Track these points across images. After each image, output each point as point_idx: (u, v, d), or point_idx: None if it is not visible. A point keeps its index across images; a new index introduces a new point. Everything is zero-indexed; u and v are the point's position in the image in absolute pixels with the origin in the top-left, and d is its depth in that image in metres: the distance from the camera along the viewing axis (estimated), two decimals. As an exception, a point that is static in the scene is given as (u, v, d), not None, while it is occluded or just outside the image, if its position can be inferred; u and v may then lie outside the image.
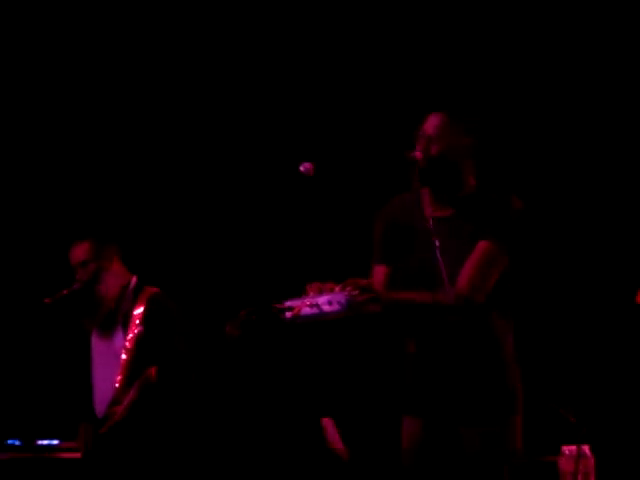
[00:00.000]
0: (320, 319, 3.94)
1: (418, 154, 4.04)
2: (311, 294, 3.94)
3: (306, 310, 3.93)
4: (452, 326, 3.99)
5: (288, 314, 3.97)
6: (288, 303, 3.97)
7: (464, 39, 6.77)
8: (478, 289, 3.97)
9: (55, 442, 5.52)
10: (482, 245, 4.00)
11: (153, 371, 5.14)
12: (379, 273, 4.19)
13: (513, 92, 6.67)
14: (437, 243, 3.87)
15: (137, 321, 5.37)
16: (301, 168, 4.13)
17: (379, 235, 4.22)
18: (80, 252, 5.45)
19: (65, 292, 5.40)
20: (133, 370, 5.28)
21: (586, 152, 6.65)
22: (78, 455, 5.42)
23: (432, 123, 4.10)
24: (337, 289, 3.89)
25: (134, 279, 5.52)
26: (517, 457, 4.09)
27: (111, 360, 5.39)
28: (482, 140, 4.13)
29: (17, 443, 5.55)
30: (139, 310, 5.39)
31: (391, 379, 4.44)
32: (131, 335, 5.36)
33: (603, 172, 6.61)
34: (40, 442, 5.54)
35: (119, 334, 5.42)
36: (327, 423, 5.39)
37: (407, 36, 6.90)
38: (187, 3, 7.08)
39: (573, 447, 5.55)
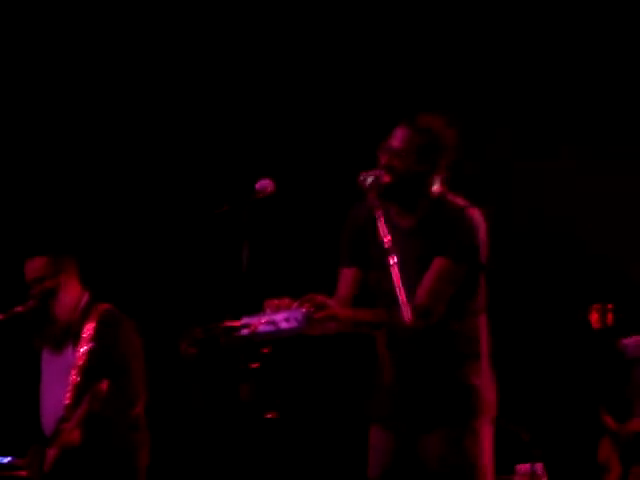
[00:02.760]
0: (277, 336, 3.91)
1: (379, 173, 3.99)
2: (268, 311, 3.92)
3: (263, 327, 3.91)
4: (408, 336, 3.98)
5: (245, 331, 3.93)
6: (245, 320, 3.94)
7: (432, 54, 6.80)
8: (434, 307, 3.96)
9: (6, 460, 5.44)
10: (438, 262, 3.99)
11: (104, 385, 5.05)
12: (345, 276, 4.18)
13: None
14: (393, 260, 3.82)
15: (88, 338, 5.29)
16: (257, 186, 4.11)
17: (346, 239, 4.20)
18: (37, 267, 5.34)
19: (19, 309, 5.30)
20: (83, 387, 5.21)
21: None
22: (25, 474, 5.34)
23: (398, 137, 4.06)
24: (294, 306, 3.87)
25: (86, 295, 5.44)
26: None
27: (61, 377, 5.32)
28: (451, 153, 4.08)
29: (-34, 463, 5.47)
30: (90, 327, 5.31)
31: (355, 389, 4.43)
32: (81, 351, 5.28)
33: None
34: (-8, 460, 5.46)
35: (69, 350, 5.35)
36: None
37: (370, 53, 6.92)
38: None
39: (527, 466, 5.57)
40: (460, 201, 4.09)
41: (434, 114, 4.11)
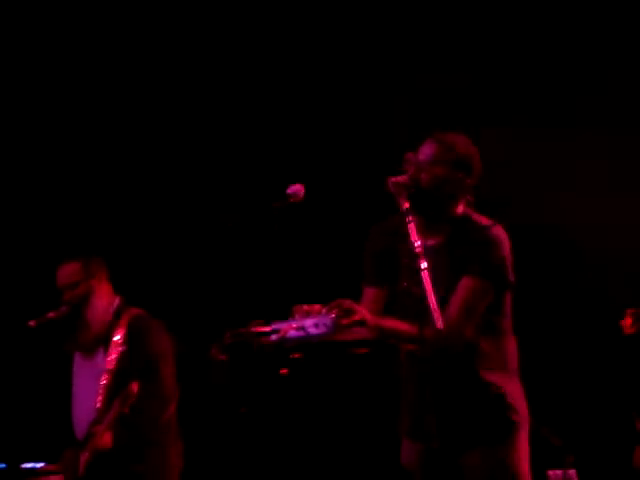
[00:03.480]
0: (306, 341, 3.91)
1: (404, 178, 3.99)
2: (297, 316, 3.91)
3: (292, 333, 3.91)
4: (438, 353, 3.99)
5: (274, 337, 3.93)
6: (274, 326, 3.93)
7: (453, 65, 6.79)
8: (463, 326, 3.97)
9: (39, 465, 5.48)
10: (465, 281, 4.00)
11: (135, 387, 5.08)
12: (368, 294, 4.19)
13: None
14: (424, 272, 3.80)
15: (118, 342, 5.32)
16: (289, 191, 4.12)
17: (369, 257, 4.22)
18: (69, 273, 5.38)
19: (52, 315, 5.33)
20: (114, 390, 5.25)
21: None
22: (60, 478, 5.38)
23: (425, 151, 4.07)
24: (323, 311, 3.87)
25: (117, 300, 5.47)
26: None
27: (92, 380, 5.38)
28: (475, 170, 4.10)
29: (2, 467, 5.51)
30: (120, 331, 5.35)
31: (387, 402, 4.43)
32: (112, 356, 5.32)
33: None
34: (25, 465, 5.49)
35: (100, 355, 5.39)
36: None
37: (394, 61, 6.91)
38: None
39: (559, 472, 5.54)
40: (484, 220, 4.11)
41: (460, 132, 4.14)
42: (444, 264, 4.01)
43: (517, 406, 4.06)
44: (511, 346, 4.13)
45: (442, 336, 3.83)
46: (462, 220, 4.09)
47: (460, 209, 4.12)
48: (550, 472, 5.57)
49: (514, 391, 4.08)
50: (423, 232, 4.02)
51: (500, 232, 4.07)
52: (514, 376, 4.11)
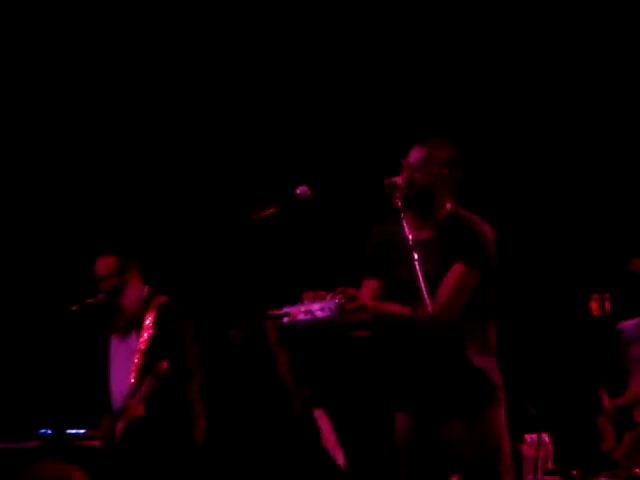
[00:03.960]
0: (314, 324, 3.97)
1: (399, 179, 4.08)
2: (306, 301, 3.99)
3: (301, 316, 3.97)
4: (429, 331, 4.03)
5: (285, 319, 3.99)
6: (285, 309, 4.01)
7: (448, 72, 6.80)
8: (452, 308, 4.02)
9: (82, 431, 5.54)
10: (455, 268, 4.05)
11: (165, 364, 5.16)
12: (368, 286, 4.25)
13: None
14: (416, 262, 3.90)
15: (149, 326, 5.40)
16: (298, 191, 4.19)
17: (369, 253, 4.29)
18: (105, 266, 5.49)
19: (90, 301, 5.43)
20: (145, 367, 5.31)
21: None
22: (99, 443, 5.45)
23: (415, 155, 4.16)
24: (328, 297, 3.95)
25: (146, 289, 5.56)
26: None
27: (126, 360, 5.43)
28: (459, 170, 4.18)
29: (49, 432, 5.56)
30: (150, 316, 5.43)
31: (379, 379, 4.46)
32: (144, 338, 5.39)
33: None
34: (69, 431, 5.55)
35: (133, 337, 5.46)
36: (320, 416, 5.39)
37: (392, 68, 6.91)
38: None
39: (534, 435, 5.62)
40: (472, 216, 4.18)
41: (441, 137, 4.23)
42: (435, 255, 4.07)
43: (496, 382, 4.10)
44: (492, 330, 4.17)
45: (432, 316, 3.88)
46: (451, 216, 4.15)
47: (449, 206, 4.17)
48: (527, 436, 5.62)
49: (493, 369, 4.12)
50: (416, 227, 4.11)
51: (486, 227, 4.13)
52: (493, 356, 4.15)
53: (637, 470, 5.23)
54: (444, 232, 4.12)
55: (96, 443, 5.53)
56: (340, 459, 5.15)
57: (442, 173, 4.13)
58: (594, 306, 6.40)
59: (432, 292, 3.94)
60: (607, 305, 6.32)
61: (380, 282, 4.23)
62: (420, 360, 4.09)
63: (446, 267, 4.06)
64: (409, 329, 4.05)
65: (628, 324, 6.00)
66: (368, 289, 4.23)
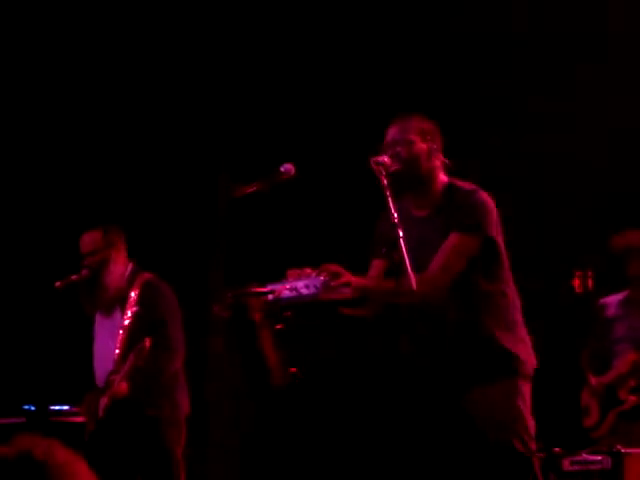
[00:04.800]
0: (298, 301, 3.97)
1: (385, 157, 4.06)
2: (290, 279, 3.98)
3: (286, 293, 3.96)
4: (416, 303, 4.01)
5: (270, 296, 3.99)
6: (270, 287, 4.00)
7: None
8: (441, 278, 3.99)
9: (65, 407, 5.54)
10: (450, 237, 4.03)
11: (148, 341, 5.15)
12: (374, 267, 4.22)
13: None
14: (401, 239, 3.84)
15: (133, 302, 5.38)
16: (282, 169, 4.17)
17: (376, 235, 4.25)
18: (91, 241, 5.46)
19: (74, 278, 5.40)
20: (129, 344, 5.31)
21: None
22: (82, 419, 5.45)
23: (392, 131, 4.15)
24: (313, 274, 3.94)
25: (131, 265, 5.54)
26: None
27: (110, 337, 5.43)
28: (438, 139, 4.16)
29: (32, 408, 5.56)
30: (135, 293, 5.41)
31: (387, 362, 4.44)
32: (128, 314, 5.38)
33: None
34: (52, 407, 5.55)
35: (117, 314, 5.45)
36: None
37: (373, 50, 6.91)
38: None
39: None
40: (468, 185, 4.15)
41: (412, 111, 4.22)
42: (435, 231, 4.05)
43: (521, 355, 4.06)
44: (513, 295, 4.14)
45: (418, 289, 3.81)
46: (448, 188, 4.12)
47: (443, 178, 4.15)
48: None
49: (519, 340, 4.08)
50: (415, 206, 4.11)
51: (482, 194, 4.09)
52: (520, 325, 4.11)
53: (619, 447, 5.25)
54: (442, 207, 4.10)
55: (79, 419, 5.52)
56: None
57: (423, 142, 4.11)
58: (577, 283, 6.43)
59: (425, 265, 3.93)
60: (590, 282, 6.34)
61: (382, 263, 4.18)
62: (433, 332, 4.07)
63: (441, 238, 4.03)
64: (397, 302, 4.03)
65: (611, 300, 6.01)
66: (373, 270, 4.21)
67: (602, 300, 6.03)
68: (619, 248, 5.87)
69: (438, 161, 4.15)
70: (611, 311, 5.95)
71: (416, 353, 4.12)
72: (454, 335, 4.05)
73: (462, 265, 4.00)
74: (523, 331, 4.15)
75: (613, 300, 5.99)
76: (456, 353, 4.05)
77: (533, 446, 4.06)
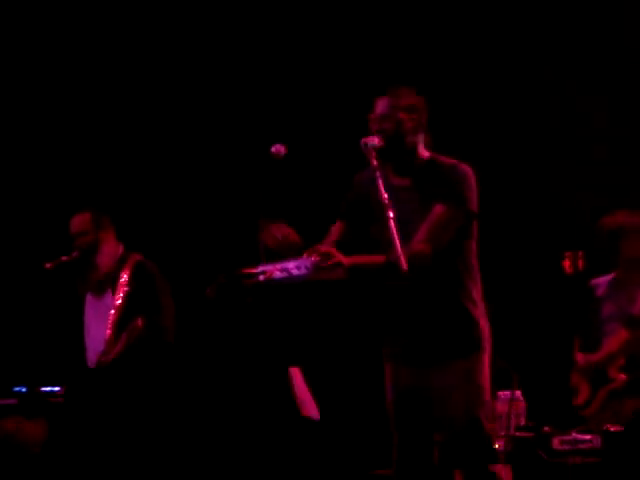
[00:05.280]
0: (289, 282, 3.98)
1: (375, 139, 4.07)
2: (281, 260, 3.99)
3: (277, 274, 3.97)
4: (407, 278, 3.99)
5: (261, 277, 3.99)
6: (261, 268, 4.00)
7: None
8: (428, 251, 4.01)
9: (57, 389, 5.55)
10: (435, 209, 4.05)
11: (140, 322, 5.16)
12: (337, 227, 4.25)
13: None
14: (391, 220, 3.87)
15: (124, 283, 5.40)
16: (272, 149, 4.17)
17: (346, 199, 4.27)
18: (81, 223, 5.48)
19: (65, 259, 5.41)
20: (121, 325, 5.33)
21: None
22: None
23: (381, 105, 4.16)
24: (305, 255, 3.93)
25: (121, 247, 5.55)
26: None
27: (101, 318, 5.45)
28: (424, 114, 4.17)
29: (24, 390, 5.57)
30: (125, 274, 5.42)
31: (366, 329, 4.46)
32: (119, 295, 5.39)
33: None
34: (43, 389, 5.56)
35: (109, 295, 5.46)
36: (295, 374, 5.41)
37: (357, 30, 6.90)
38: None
39: (507, 392, 5.66)
40: (451, 160, 4.17)
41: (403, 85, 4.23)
42: (415, 200, 4.07)
43: (484, 330, 4.13)
44: (477, 272, 4.19)
45: (407, 255, 3.84)
46: (430, 162, 4.16)
47: (426, 153, 4.18)
48: (499, 393, 5.66)
49: (483, 316, 4.15)
50: (394, 176, 4.12)
51: (467, 168, 4.12)
52: (482, 302, 4.17)
53: (608, 426, 5.28)
54: (422, 177, 4.13)
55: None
56: (314, 413, 5.16)
57: (409, 118, 4.12)
58: (567, 264, 6.43)
59: (408, 238, 3.93)
60: (580, 263, 6.34)
61: (347, 226, 4.22)
62: (407, 306, 4.10)
63: (424, 212, 4.05)
64: (388, 277, 4.03)
65: (601, 281, 6.02)
66: (335, 232, 4.23)
67: (593, 281, 6.04)
68: (608, 229, 5.87)
69: (422, 136, 4.17)
70: (600, 292, 5.96)
71: (393, 322, 4.16)
72: (431, 306, 4.09)
73: (448, 237, 4.04)
74: (484, 306, 4.20)
75: (602, 281, 6.00)
76: (433, 324, 4.09)
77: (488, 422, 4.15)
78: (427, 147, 4.20)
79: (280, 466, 6.01)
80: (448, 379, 4.06)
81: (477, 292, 4.18)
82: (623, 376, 5.77)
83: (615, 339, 5.82)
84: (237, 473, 5.93)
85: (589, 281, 6.05)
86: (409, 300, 4.10)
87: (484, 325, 4.15)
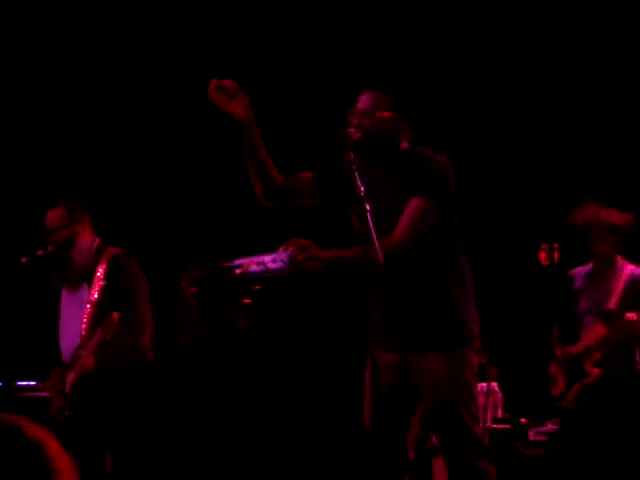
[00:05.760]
0: (266, 275, 3.98)
1: (352, 130, 4.05)
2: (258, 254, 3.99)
3: (253, 267, 3.97)
4: (383, 269, 3.97)
5: (238, 271, 3.98)
6: (237, 261, 4.00)
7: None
8: (404, 242, 4.02)
9: (32, 383, 5.52)
10: (413, 201, 4.05)
11: (116, 316, 5.13)
12: (302, 176, 4.25)
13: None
14: (368, 213, 3.86)
15: (100, 277, 5.36)
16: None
17: (327, 165, 4.27)
18: (56, 217, 5.44)
19: (40, 253, 5.38)
20: (97, 319, 5.29)
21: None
22: (48, 394, 5.44)
23: (363, 100, 4.16)
24: (281, 248, 3.93)
25: (97, 241, 5.51)
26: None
27: (78, 311, 5.41)
28: (408, 112, 4.17)
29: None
30: (102, 268, 5.38)
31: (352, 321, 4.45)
32: (95, 289, 5.36)
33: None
34: (19, 383, 5.53)
35: (84, 289, 5.42)
36: None
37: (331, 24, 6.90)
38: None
39: (484, 384, 5.68)
40: (427, 151, 4.17)
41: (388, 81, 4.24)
42: (391, 191, 4.08)
43: (471, 325, 4.12)
44: (465, 264, 4.19)
45: (386, 249, 3.82)
46: (407, 152, 4.16)
47: (404, 145, 4.18)
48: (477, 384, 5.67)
49: (468, 314, 4.13)
50: (371, 166, 4.10)
51: (443, 159, 4.13)
52: (470, 295, 4.16)
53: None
54: (399, 169, 4.13)
55: (46, 394, 5.50)
56: None
57: (391, 117, 4.12)
58: (543, 256, 6.45)
59: (383, 228, 3.91)
60: (556, 255, 6.37)
61: (310, 181, 4.22)
62: (391, 294, 4.09)
63: (397, 201, 4.06)
64: (365, 269, 4.00)
65: (578, 271, 6.04)
66: (297, 176, 4.23)
67: (570, 272, 6.06)
68: (577, 223, 5.90)
69: (403, 130, 4.17)
70: (577, 284, 5.97)
71: (376, 317, 4.15)
72: (410, 296, 4.09)
73: (424, 229, 4.04)
74: (474, 305, 4.18)
75: (580, 272, 6.01)
76: (411, 314, 4.09)
77: (477, 417, 4.14)
78: (409, 141, 4.19)
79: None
80: (428, 372, 4.06)
81: (462, 288, 4.15)
82: (597, 371, 5.80)
83: (592, 333, 5.85)
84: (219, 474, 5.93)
85: (567, 272, 6.06)
86: (388, 290, 4.10)
87: (469, 321, 4.13)
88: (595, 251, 5.83)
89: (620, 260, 5.87)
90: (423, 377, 4.07)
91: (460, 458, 4.05)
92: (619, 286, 5.84)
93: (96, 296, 5.34)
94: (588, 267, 6.00)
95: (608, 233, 5.79)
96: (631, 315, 5.63)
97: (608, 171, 6.72)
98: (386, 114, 4.11)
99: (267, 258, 3.94)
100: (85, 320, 5.33)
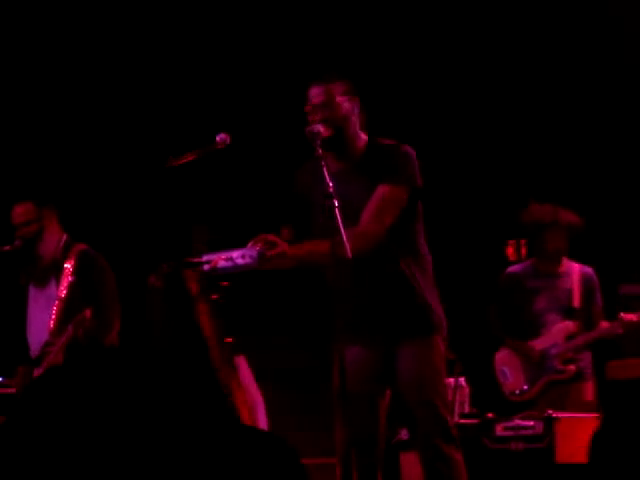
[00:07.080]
0: (234, 271, 3.97)
1: (321, 127, 4.04)
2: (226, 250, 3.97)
3: (222, 263, 3.97)
4: (367, 264, 4.02)
5: (206, 267, 3.97)
6: (206, 257, 3.98)
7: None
8: (374, 231, 4.02)
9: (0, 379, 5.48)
10: (380, 189, 4.06)
11: (88, 313, 5.10)
12: (284, 235, 4.21)
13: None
14: (337, 209, 3.84)
15: (69, 272, 5.33)
16: (217, 138, 4.14)
17: (289, 202, 4.30)
18: (23, 212, 5.39)
19: (7, 248, 5.33)
20: (65, 316, 5.25)
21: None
22: (14, 391, 5.40)
23: (316, 95, 4.15)
24: (249, 244, 3.92)
25: (65, 236, 5.47)
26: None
27: (45, 308, 5.38)
28: (357, 99, 4.18)
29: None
30: (69, 263, 5.35)
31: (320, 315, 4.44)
32: (64, 285, 5.32)
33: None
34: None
35: (52, 285, 5.39)
36: (240, 361, 5.37)
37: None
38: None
39: (451, 379, 5.69)
40: (390, 141, 4.19)
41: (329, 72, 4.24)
42: (359, 184, 4.08)
43: (439, 313, 4.16)
44: (427, 253, 4.21)
45: (354, 237, 3.83)
46: (370, 145, 4.16)
47: (363, 136, 4.18)
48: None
49: (435, 302, 4.16)
50: (336, 162, 4.11)
51: (407, 147, 4.15)
52: (434, 290, 4.19)
53: (550, 411, 5.32)
54: (365, 161, 4.13)
55: (12, 390, 5.46)
56: (261, 411, 5.13)
57: (346, 104, 4.13)
58: (510, 251, 6.47)
59: (351, 223, 3.91)
60: (523, 250, 6.38)
61: (295, 229, 4.22)
62: (359, 284, 4.09)
63: (369, 195, 4.06)
64: (333, 263, 3.96)
65: (519, 269, 6.03)
66: (285, 236, 4.19)
67: (511, 269, 6.05)
68: (527, 224, 5.92)
69: (359, 119, 4.18)
70: (529, 283, 5.96)
71: (346, 308, 4.12)
72: (377, 286, 4.10)
73: (394, 216, 4.05)
74: (438, 294, 4.22)
75: (522, 270, 6.00)
76: (379, 303, 4.10)
77: (448, 403, 4.21)
78: (363, 129, 4.20)
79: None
80: (401, 361, 4.08)
81: (427, 276, 4.18)
82: (573, 367, 5.85)
83: (560, 330, 5.88)
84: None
85: (507, 271, 6.04)
86: (356, 280, 4.09)
87: (436, 308, 4.16)
88: (551, 250, 5.85)
89: (566, 259, 5.93)
90: (395, 366, 4.09)
91: (431, 443, 4.07)
92: (576, 284, 5.88)
93: (65, 292, 5.31)
94: (528, 266, 6.01)
95: (566, 233, 5.83)
96: (630, 316, 5.71)
97: (562, 170, 6.76)
98: (342, 99, 4.12)
99: (235, 254, 3.94)
100: (54, 316, 5.30)
